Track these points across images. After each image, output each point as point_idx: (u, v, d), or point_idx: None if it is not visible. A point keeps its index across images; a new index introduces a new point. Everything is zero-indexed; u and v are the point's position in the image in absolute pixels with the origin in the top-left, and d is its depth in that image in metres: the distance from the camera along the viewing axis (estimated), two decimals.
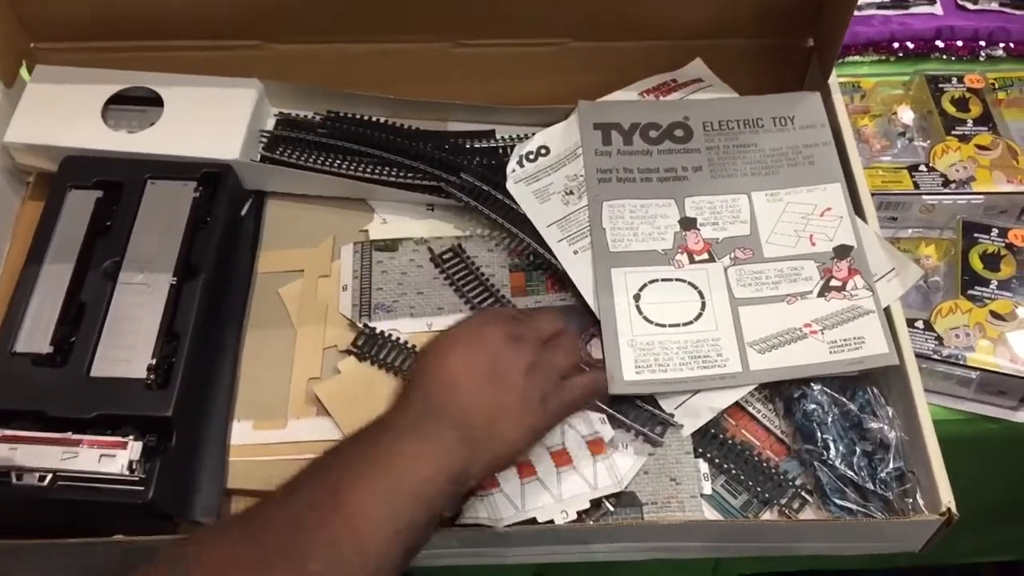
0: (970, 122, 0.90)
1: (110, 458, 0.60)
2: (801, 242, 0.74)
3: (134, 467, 0.60)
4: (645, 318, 0.71)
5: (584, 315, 0.72)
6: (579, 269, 0.73)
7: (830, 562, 1.03)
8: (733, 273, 0.73)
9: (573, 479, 0.64)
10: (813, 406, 0.68)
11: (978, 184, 0.85)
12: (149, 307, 0.67)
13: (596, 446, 0.66)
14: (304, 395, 0.70)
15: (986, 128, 0.89)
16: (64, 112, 0.78)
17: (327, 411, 0.68)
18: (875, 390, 0.69)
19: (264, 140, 0.81)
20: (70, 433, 0.61)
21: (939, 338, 0.77)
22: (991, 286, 0.80)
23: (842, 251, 0.73)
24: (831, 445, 0.66)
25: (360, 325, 0.72)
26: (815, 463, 0.66)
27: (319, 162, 0.79)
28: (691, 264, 0.73)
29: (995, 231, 0.83)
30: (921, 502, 0.64)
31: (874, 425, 0.67)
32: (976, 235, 0.83)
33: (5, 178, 0.78)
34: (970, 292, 0.79)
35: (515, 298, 0.74)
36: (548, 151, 0.80)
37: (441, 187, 0.77)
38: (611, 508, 0.65)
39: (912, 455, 0.66)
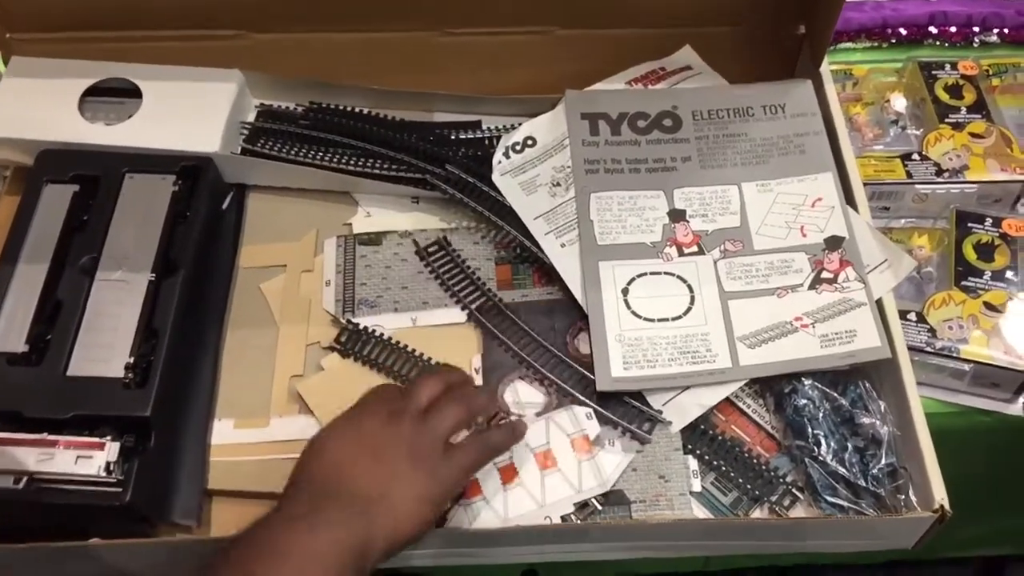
0: (964, 109, 0.88)
1: (87, 459, 0.59)
2: (792, 233, 0.73)
3: (111, 468, 0.59)
4: (633, 313, 0.69)
5: (570, 310, 0.71)
6: (566, 262, 0.72)
7: (822, 555, 1.02)
8: (723, 266, 0.72)
9: (557, 482, 0.63)
10: (804, 401, 0.67)
11: (972, 173, 0.84)
12: (127, 304, 0.66)
13: (582, 444, 0.65)
14: (287, 393, 0.69)
15: (980, 115, 0.88)
16: (40, 105, 0.76)
17: (310, 409, 0.67)
18: (867, 384, 0.68)
19: (245, 132, 0.79)
20: (46, 434, 0.60)
21: (932, 330, 0.76)
22: (985, 276, 0.79)
23: (833, 242, 0.72)
24: (822, 441, 0.65)
25: (343, 321, 0.71)
26: (806, 459, 0.65)
27: (301, 154, 0.78)
28: (680, 257, 0.72)
29: (989, 220, 0.82)
30: (914, 499, 0.64)
31: (866, 420, 0.66)
32: (970, 225, 0.82)
33: None
34: (964, 283, 0.78)
35: (501, 291, 0.73)
36: (535, 142, 0.78)
37: (426, 179, 0.76)
38: (599, 507, 0.64)
39: (904, 451, 0.65)
